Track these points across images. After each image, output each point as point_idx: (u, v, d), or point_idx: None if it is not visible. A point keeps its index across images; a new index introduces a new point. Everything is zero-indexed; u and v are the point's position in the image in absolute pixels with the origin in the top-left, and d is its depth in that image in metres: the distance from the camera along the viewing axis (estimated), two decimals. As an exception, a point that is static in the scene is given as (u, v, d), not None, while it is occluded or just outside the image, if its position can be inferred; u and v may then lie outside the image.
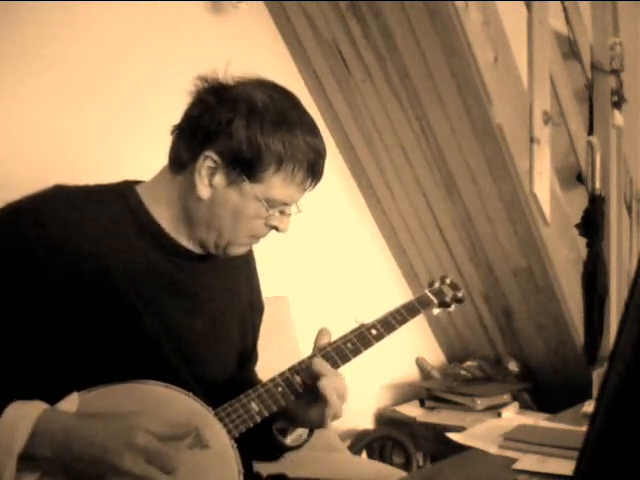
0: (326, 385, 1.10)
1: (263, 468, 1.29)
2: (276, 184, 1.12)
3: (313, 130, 1.15)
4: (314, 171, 1.14)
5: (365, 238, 2.64)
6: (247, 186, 1.11)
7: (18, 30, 1.72)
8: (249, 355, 1.34)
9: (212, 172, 1.11)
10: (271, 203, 1.13)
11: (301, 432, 1.24)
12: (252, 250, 1.34)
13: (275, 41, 2.33)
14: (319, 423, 1.16)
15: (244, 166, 1.10)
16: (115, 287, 1.08)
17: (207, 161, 1.11)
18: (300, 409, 1.17)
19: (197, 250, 1.19)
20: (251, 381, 1.21)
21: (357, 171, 2.57)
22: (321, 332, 1.20)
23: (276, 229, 1.18)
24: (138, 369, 1.05)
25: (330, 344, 1.19)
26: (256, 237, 1.19)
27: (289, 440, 1.23)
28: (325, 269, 2.44)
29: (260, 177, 1.11)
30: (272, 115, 1.10)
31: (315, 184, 1.17)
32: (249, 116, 1.09)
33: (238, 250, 1.19)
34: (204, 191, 1.12)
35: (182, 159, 1.13)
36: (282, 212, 1.17)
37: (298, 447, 1.24)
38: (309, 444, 1.24)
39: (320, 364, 1.13)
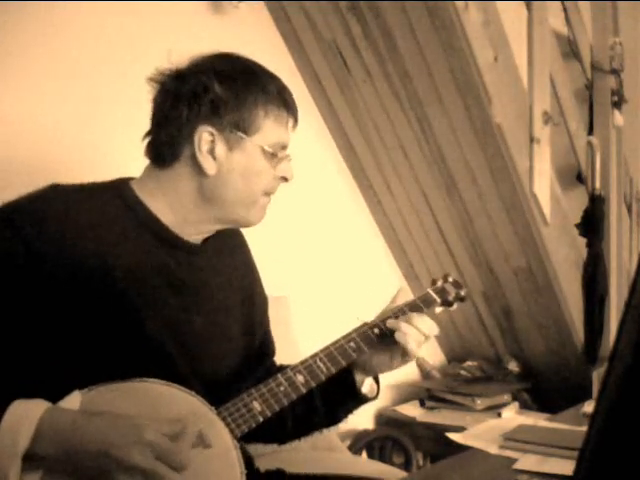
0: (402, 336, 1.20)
1: (262, 465, 1.30)
2: (270, 127, 1.15)
3: (270, 71, 1.20)
4: (292, 107, 1.19)
5: (365, 238, 2.64)
6: (248, 142, 1.13)
7: (14, 29, 1.72)
8: (263, 350, 1.33)
9: (212, 145, 1.13)
10: (274, 149, 1.16)
11: (370, 385, 1.30)
12: (247, 244, 1.35)
13: (275, 41, 2.33)
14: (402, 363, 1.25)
15: (237, 123, 1.12)
16: (115, 285, 1.08)
17: (204, 136, 1.12)
18: (378, 358, 1.25)
19: (198, 241, 1.20)
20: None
21: (357, 171, 2.57)
22: (401, 290, 1.33)
23: (285, 179, 1.20)
24: (139, 367, 1.05)
25: (333, 343, 1.20)
26: (269, 194, 1.20)
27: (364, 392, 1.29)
28: (325, 269, 2.44)
29: (254, 127, 1.14)
30: (236, 68, 1.15)
31: (296, 121, 1.20)
32: (219, 77, 1.12)
33: (258, 214, 1.20)
34: (211, 166, 1.13)
35: (174, 149, 1.14)
36: (282, 160, 1.19)
37: (374, 398, 1.31)
38: (309, 443, 1.24)
39: (393, 323, 1.23)
